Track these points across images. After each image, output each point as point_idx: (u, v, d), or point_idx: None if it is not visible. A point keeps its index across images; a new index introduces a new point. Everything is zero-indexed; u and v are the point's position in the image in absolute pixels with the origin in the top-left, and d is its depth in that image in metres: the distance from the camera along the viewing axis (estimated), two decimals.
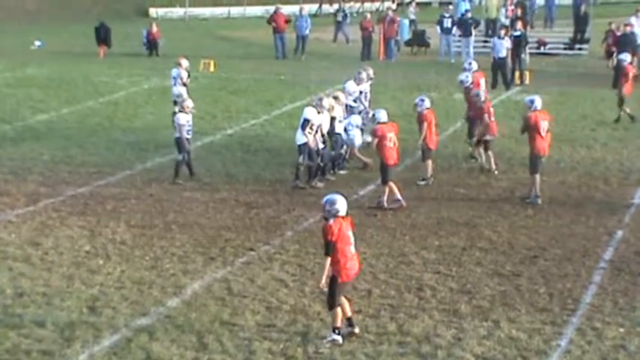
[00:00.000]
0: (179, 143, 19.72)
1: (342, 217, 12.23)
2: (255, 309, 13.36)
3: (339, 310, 12.28)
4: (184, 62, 24.40)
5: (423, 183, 19.66)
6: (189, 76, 24.18)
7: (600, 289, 14.24)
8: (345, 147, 20.66)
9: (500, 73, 31.56)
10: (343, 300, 12.41)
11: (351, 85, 22.19)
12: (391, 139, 18.17)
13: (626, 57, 27.03)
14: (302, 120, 19.21)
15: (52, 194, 18.90)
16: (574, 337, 12.61)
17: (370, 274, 14.63)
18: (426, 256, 15.66)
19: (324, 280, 12.14)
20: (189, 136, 19.74)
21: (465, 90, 22.39)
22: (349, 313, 12.51)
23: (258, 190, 19.42)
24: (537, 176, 18.57)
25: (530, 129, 18.51)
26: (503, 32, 32.52)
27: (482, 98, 20.89)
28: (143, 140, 23.62)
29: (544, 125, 18.48)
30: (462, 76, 22.46)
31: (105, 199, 18.69)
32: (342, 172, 20.61)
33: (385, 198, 18.10)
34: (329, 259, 12.10)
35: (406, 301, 13.67)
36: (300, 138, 19.23)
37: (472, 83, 22.36)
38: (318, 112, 19.22)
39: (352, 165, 20.93)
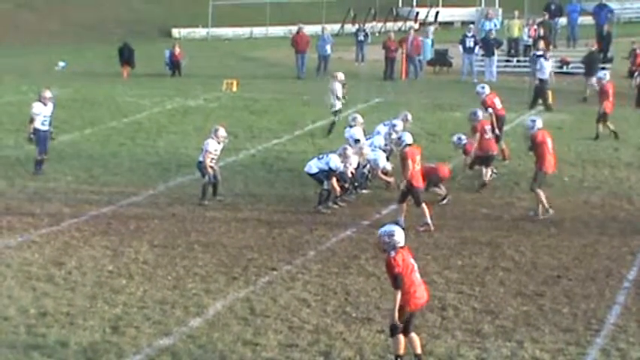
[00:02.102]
0: (201, 168, 19.76)
1: (402, 247, 12.02)
2: (277, 329, 13.36)
3: (401, 337, 11.98)
4: (340, 75, 26.98)
5: (445, 202, 19.65)
6: (344, 87, 26.72)
7: (624, 310, 14.17)
8: (367, 167, 20.67)
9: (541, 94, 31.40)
10: (414, 335, 12.16)
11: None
12: (418, 161, 18.21)
13: (605, 75, 27.32)
14: (327, 167, 19.15)
15: (75, 214, 18.98)
16: (598, 357, 12.54)
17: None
18: (448, 275, 15.63)
19: (396, 315, 11.83)
20: (212, 164, 19.73)
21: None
22: (419, 350, 12.15)
23: (281, 209, 19.44)
24: (540, 192, 18.56)
25: (537, 147, 18.71)
26: (548, 54, 32.48)
27: (479, 117, 21.33)
28: (166, 160, 23.71)
29: (550, 142, 18.67)
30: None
31: (128, 218, 18.76)
32: (364, 191, 20.62)
33: (402, 218, 18.06)
34: (399, 293, 11.83)
35: (429, 321, 13.63)
36: (313, 168, 19.30)
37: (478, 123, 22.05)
38: (342, 162, 19.22)
39: (374, 184, 20.93)
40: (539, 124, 19.01)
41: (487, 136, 21.16)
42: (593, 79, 31.46)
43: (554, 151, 19.30)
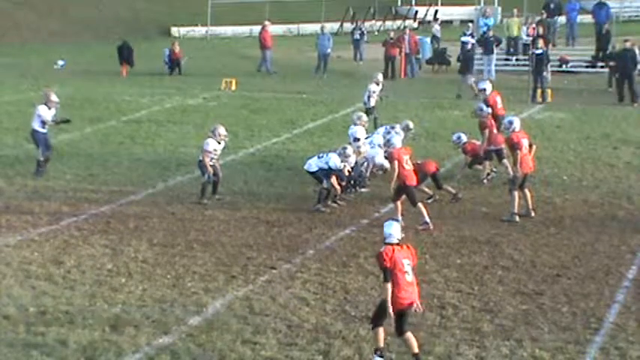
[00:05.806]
0: (201, 166, 19.76)
1: (397, 245, 12.05)
2: (276, 327, 13.36)
3: (380, 330, 12.09)
4: (377, 76, 27.47)
5: (430, 201, 19.54)
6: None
7: (624, 308, 14.16)
8: (366, 165, 20.68)
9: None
10: (410, 335, 12.13)
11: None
12: (407, 161, 18.27)
13: None
14: (326, 166, 19.17)
15: (74, 213, 18.98)
16: (597, 356, 12.54)
17: None
18: (447, 274, 15.63)
19: (390, 309, 11.90)
20: (212, 163, 19.71)
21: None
22: (416, 349, 12.13)
23: (280, 208, 19.44)
24: (516, 194, 18.54)
25: (513, 149, 18.83)
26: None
27: (485, 114, 21.88)
28: (165, 159, 23.70)
29: (525, 143, 18.80)
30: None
31: (127, 217, 18.76)
32: (363, 190, 20.62)
33: (400, 217, 18.02)
34: (388, 285, 11.87)
35: (428, 320, 13.62)
36: (313, 166, 19.33)
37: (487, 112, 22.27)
38: (342, 162, 19.23)
39: (374, 183, 20.92)
40: (516, 125, 19.08)
41: (495, 130, 21.47)
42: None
43: (536, 150, 19.45)
